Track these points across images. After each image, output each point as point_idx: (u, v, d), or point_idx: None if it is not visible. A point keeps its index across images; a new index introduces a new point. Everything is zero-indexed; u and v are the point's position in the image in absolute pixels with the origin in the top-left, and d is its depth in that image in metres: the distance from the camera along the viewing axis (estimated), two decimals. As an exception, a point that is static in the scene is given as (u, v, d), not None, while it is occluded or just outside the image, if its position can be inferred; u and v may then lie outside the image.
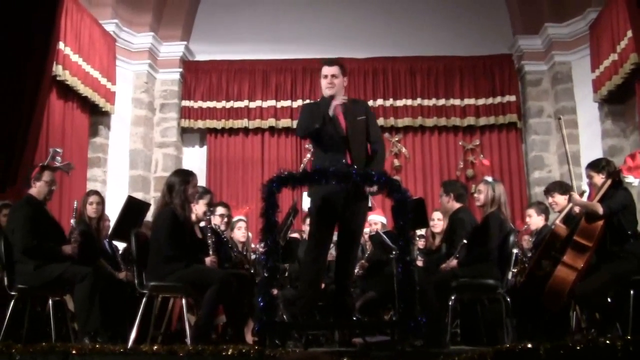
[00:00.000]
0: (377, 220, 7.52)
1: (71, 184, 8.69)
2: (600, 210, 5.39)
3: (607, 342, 3.91)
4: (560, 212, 6.44)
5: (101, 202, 6.80)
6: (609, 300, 5.48)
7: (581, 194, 6.44)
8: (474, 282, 5.78)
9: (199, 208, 6.23)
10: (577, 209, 6.10)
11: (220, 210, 7.12)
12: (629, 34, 8.34)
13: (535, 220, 6.98)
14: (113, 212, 7.27)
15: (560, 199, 6.52)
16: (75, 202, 6.35)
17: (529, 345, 3.95)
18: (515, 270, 6.41)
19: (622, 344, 3.88)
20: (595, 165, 5.78)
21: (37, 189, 5.92)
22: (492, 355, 3.92)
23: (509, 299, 5.74)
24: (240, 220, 7.60)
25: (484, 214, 6.01)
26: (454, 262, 5.97)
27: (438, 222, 7.28)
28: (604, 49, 9.31)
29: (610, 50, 9.07)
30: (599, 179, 5.67)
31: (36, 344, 4.56)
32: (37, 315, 6.26)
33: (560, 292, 5.45)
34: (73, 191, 8.72)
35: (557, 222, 6.18)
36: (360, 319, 5.74)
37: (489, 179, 6.06)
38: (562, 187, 6.61)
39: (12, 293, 5.64)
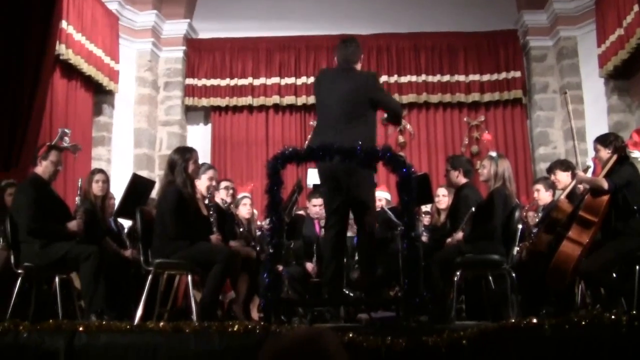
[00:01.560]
0: (381, 196, 7.51)
1: (75, 163, 8.69)
2: (605, 185, 5.36)
3: (612, 317, 3.92)
4: (563, 189, 6.42)
5: (106, 181, 6.80)
6: (614, 276, 5.48)
7: (585, 169, 6.43)
8: (478, 258, 5.77)
9: (202, 183, 6.21)
10: (581, 187, 6.08)
11: (224, 183, 7.10)
12: (635, 8, 8.28)
13: (543, 196, 6.94)
14: (118, 190, 7.27)
15: (562, 176, 6.50)
16: (80, 180, 6.34)
17: (534, 321, 3.96)
18: (520, 246, 6.40)
19: (627, 320, 3.88)
20: (603, 140, 5.75)
21: (42, 168, 5.91)
22: (497, 330, 3.92)
23: (514, 275, 5.73)
24: (244, 197, 7.60)
25: (489, 190, 6.00)
26: (459, 234, 5.96)
27: (443, 198, 7.25)
28: (610, 23, 9.24)
29: (616, 25, 9.00)
30: (605, 153, 5.64)
31: (43, 322, 4.58)
32: (43, 293, 6.28)
33: (565, 267, 5.45)
34: (78, 170, 8.71)
35: (562, 197, 6.18)
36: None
37: (494, 154, 6.03)
38: (564, 165, 6.59)
39: (19, 272, 5.65)
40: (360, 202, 5.32)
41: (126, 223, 7.27)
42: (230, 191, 7.09)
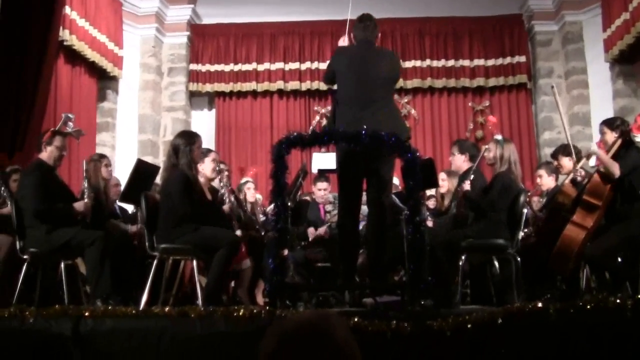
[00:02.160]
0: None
1: (80, 149, 8.70)
2: (617, 172, 5.33)
3: (617, 302, 3.92)
4: (567, 174, 6.41)
5: (111, 165, 6.85)
6: (619, 260, 5.47)
7: (589, 154, 6.41)
8: (483, 242, 5.77)
9: (206, 167, 6.21)
10: (582, 173, 6.08)
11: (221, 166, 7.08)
12: (642, -8, 8.25)
13: (546, 181, 6.93)
14: (123, 176, 7.28)
15: (565, 162, 6.49)
16: (85, 163, 6.32)
17: (539, 305, 3.96)
18: (525, 230, 6.39)
19: (632, 304, 3.89)
20: (610, 123, 5.72)
21: (47, 153, 5.91)
22: (502, 315, 3.92)
23: (519, 259, 5.73)
24: (248, 181, 7.60)
25: (494, 174, 5.98)
26: (467, 185, 5.93)
27: (442, 182, 7.22)
28: (616, 8, 9.20)
29: (622, 9, 8.97)
30: (611, 136, 5.61)
31: (49, 308, 4.60)
32: (49, 279, 6.30)
33: (569, 251, 5.45)
34: (82, 156, 8.71)
35: (566, 182, 6.17)
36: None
37: (499, 137, 6.00)
38: (567, 150, 6.58)
39: (24, 257, 5.66)
40: (382, 179, 5.30)
41: (130, 209, 7.29)
42: (226, 173, 7.06)
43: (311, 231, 7.21)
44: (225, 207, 6.13)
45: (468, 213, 6.05)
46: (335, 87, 5.56)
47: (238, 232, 6.39)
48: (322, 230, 7.15)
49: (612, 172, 5.35)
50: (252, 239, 6.66)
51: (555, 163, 6.63)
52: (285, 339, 1.71)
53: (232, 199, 6.64)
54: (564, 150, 6.63)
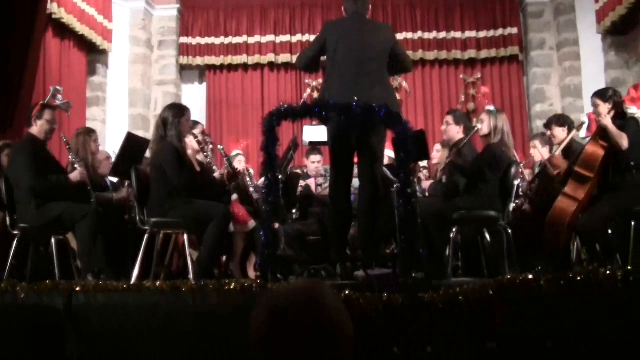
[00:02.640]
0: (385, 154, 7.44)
1: (70, 123, 8.64)
2: (626, 144, 5.32)
3: (608, 273, 3.93)
4: (559, 144, 6.40)
5: (98, 140, 6.83)
6: (609, 232, 5.48)
7: (580, 125, 6.41)
8: (475, 214, 5.76)
9: (192, 139, 6.20)
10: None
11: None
12: (634, -38, 8.20)
13: (540, 152, 6.92)
14: (113, 151, 7.25)
15: (558, 132, 6.47)
16: (64, 136, 6.28)
17: (530, 277, 3.97)
18: (517, 202, 6.40)
19: (622, 275, 3.90)
20: (602, 94, 5.68)
21: (38, 127, 5.87)
22: (493, 286, 3.93)
23: (510, 231, 5.74)
24: (238, 154, 7.59)
25: (486, 144, 5.95)
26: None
27: (437, 153, 7.21)
28: (608, -22, 9.16)
29: (614, -20, 8.92)
30: (604, 108, 5.58)
31: (40, 283, 4.59)
32: (40, 254, 6.29)
33: (561, 222, 5.46)
34: (72, 131, 8.68)
35: (556, 154, 6.17)
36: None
37: (491, 107, 5.97)
38: (560, 120, 6.56)
39: (15, 233, 5.65)
40: (373, 151, 5.28)
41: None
42: (210, 146, 7.03)
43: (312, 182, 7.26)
44: (216, 175, 6.10)
45: (458, 182, 6.02)
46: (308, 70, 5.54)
47: (234, 196, 6.38)
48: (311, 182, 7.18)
49: (621, 144, 5.33)
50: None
51: (549, 133, 6.62)
52: (276, 310, 1.71)
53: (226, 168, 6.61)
54: (557, 120, 6.61)
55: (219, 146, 6.97)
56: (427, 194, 6.95)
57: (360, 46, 5.25)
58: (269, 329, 1.71)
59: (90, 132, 6.78)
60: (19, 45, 7.49)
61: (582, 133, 6.54)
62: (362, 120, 4.91)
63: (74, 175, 5.85)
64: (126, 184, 6.60)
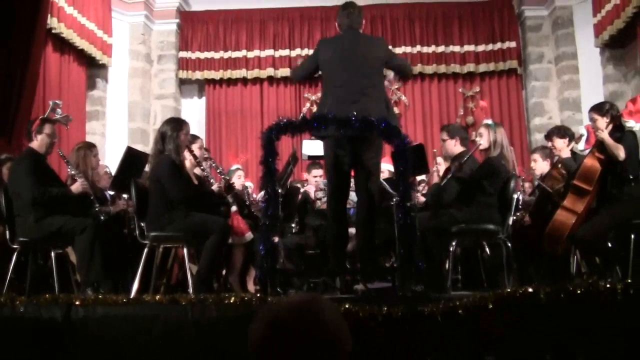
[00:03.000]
0: (383, 167, 7.43)
1: (70, 137, 8.66)
2: (622, 155, 5.33)
3: (608, 285, 3.93)
4: (559, 156, 6.43)
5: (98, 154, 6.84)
6: (609, 244, 5.49)
7: (579, 137, 6.42)
8: (474, 227, 5.75)
9: (190, 154, 6.21)
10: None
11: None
12: (632, -24, 8.23)
13: (540, 165, 6.91)
14: (113, 165, 7.26)
15: (559, 143, 6.48)
16: (60, 151, 6.28)
17: (530, 290, 3.97)
18: (517, 214, 6.40)
19: (622, 288, 3.90)
20: (599, 108, 5.71)
21: (38, 142, 5.88)
22: (492, 299, 3.93)
23: (509, 244, 5.74)
24: (238, 169, 7.59)
25: (485, 157, 5.96)
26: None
27: (438, 166, 7.21)
28: (606, -8, 9.19)
29: (612, -7, 8.96)
30: (602, 122, 5.60)
31: (39, 296, 4.59)
32: (39, 268, 6.29)
33: (559, 236, 5.47)
34: (72, 145, 8.69)
35: (558, 166, 6.20)
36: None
37: (489, 121, 5.99)
38: (561, 132, 6.58)
39: (14, 246, 5.65)
40: (366, 166, 5.29)
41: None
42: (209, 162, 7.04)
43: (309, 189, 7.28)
44: (215, 187, 6.09)
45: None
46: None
47: (234, 208, 6.37)
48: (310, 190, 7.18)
49: (617, 155, 5.34)
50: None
51: (550, 144, 6.62)
52: (275, 323, 1.71)
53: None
54: (558, 131, 6.62)
55: (213, 164, 6.95)
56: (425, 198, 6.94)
57: (355, 62, 5.28)
58: (267, 341, 1.71)
59: (91, 146, 6.78)
60: (18, 59, 7.51)
61: (581, 145, 6.54)
62: (357, 134, 4.93)
63: (75, 187, 5.85)
64: (124, 197, 6.62)
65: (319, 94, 9.51)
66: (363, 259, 5.36)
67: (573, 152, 6.39)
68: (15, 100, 7.45)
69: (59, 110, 6.44)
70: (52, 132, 5.93)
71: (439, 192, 5.98)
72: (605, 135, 5.44)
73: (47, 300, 4.49)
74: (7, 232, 5.70)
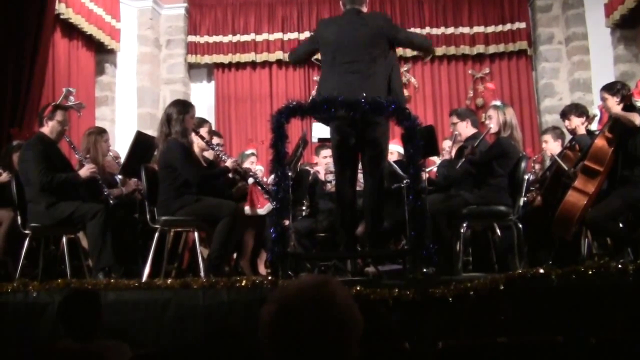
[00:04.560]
0: (392, 149, 7.41)
1: (79, 123, 8.67)
2: (637, 121, 5.30)
3: (619, 266, 3.93)
4: (574, 135, 6.39)
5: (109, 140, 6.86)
6: (620, 225, 5.48)
7: (592, 117, 6.38)
8: (484, 209, 5.73)
9: (201, 140, 6.20)
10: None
11: (215, 139, 7.02)
12: (643, -46, 8.16)
13: (552, 146, 6.86)
14: (123, 150, 7.26)
15: (576, 122, 6.43)
16: (67, 137, 6.23)
17: (541, 271, 3.97)
18: (527, 196, 6.38)
19: (633, 269, 3.90)
20: (610, 88, 5.67)
21: (49, 128, 5.87)
22: (504, 281, 3.94)
23: (520, 226, 5.72)
24: (252, 154, 7.58)
25: (495, 138, 5.92)
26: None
27: (448, 149, 7.20)
28: (616, -29, 9.11)
29: (623, -28, 8.88)
30: (613, 101, 5.57)
31: (52, 281, 4.62)
32: (51, 253, 6.32)
33: (571, 217, 5.46)
34: (82, 131, 8.71)
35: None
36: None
37: (498, 102, 5.95)
38: (579, 110, 6.52)
39: (26, 232, 5.67)
40: (373, 146, 5.26)
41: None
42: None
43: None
44: (229, 163, 6.01)
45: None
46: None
47: (250, 180, 6.35)
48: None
49: (633, 121, 5.30)
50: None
51: (567, 123, 6.56)
52: (286, 305, 1.71)
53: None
54: (576, 109, 6.56)
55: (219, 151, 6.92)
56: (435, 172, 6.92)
57: (355, 41, 5.19)
58: (279, 323, 1.71)
59: (102, 132, 6.79)
60: (27, 45, 7.52)
61: (594, 126, 6.50)
62: (363, 116, 4.92)
63: (83, 172, 5.84)
64: (131, 180, 6.64)
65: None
66: (372, 242, 5.36)
67: (588, 132, 6.34)
68: (25, 88, 7.46)
69: (71, 98, 6.45)
70: (63, 119, 5.93)
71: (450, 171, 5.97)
72: (615, 109, 5.43)
73: (60, 285, 4.53)
74: (19, 218, 5.72)
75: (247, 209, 6.07)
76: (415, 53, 10.36)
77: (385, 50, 5.29)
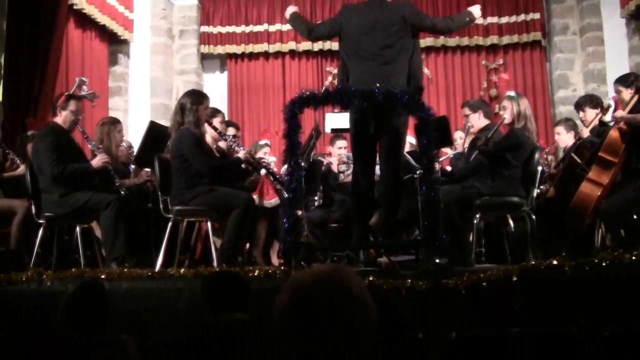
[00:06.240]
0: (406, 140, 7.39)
1: (93, 113, 8.70)
2: None
3: (633, 258, 3.91)
4: (588, 126, 6.35)
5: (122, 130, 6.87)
6: (634, 217, 5.45)
7: (607, 108, 6.33)
8: (498, 200, 5.73)
9: (214, 131, 6.20)
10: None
11: (231, 130, 7.02)
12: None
13: (564, 138, 6.84)
14: (136, 140, 7.28)
15: (591, 113, 6.39)
16: (79, 127, 6.22)
17: (554, 263, 3.96)
18: (541, 187, 6.35)
19: (648, 259, 3.88)
20: (624, 80, 5.65)
21: (62, 117, 5.89)
22: (517, 273, 3.93)
23: (534, 217, 5.70)
24: (266, 144, 7.58)
25: (509, 129, 5.89)
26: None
27: (460, 141, 7.18)
28: (632, -39, 9.04)
29: (638, -38, 8.81)
30: (627, 93, 5.54)
31: (66, 271, 4.65)
32: (65, 243, 6.34)
33: (585, 208, 5.44)
34: (95, 121, 8.73)
35: (584, 135, 6.15)
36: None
37: (512, 93, 5.92)
38: (594, 101, 6.48)
39: (40, 221, 5.69)
40: (393, 136, 5.25)
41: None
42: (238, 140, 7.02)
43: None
44: (241, 155, 6.01)
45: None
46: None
47: (262, 171, 6.35)
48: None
49: (638, 120, 5.28)
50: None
51: (582, 114, 6.52)
52: (300, 294, 1.71)
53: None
54: (590, 100, 6.52)
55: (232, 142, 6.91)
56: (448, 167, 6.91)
57: (379, 31, 5.19)
58: (292, 313, 1.71)
59: (115, 122, 6.81)
60: (41, 36, 7.55)
61: (608, 117, 6.47)
62: (382, 106, 4.89)
63: (95, 162, 5.85)
64: (143, 170, 6.66)
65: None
66: (385, 233, 5.36)
67: (602, 123, 6.30)
68: (39, 79, 7.49)
69: (85, 87, 6.46)
70: (76, 109, 5.93)
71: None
72: (620, 114, 5.40)
73: (73, 274, 4.55)
74: (33, 208, 5.74)
75: (255, 198, 6.06)
76: (428, 44, 10.41)
77: (408, 39, 5.29)
